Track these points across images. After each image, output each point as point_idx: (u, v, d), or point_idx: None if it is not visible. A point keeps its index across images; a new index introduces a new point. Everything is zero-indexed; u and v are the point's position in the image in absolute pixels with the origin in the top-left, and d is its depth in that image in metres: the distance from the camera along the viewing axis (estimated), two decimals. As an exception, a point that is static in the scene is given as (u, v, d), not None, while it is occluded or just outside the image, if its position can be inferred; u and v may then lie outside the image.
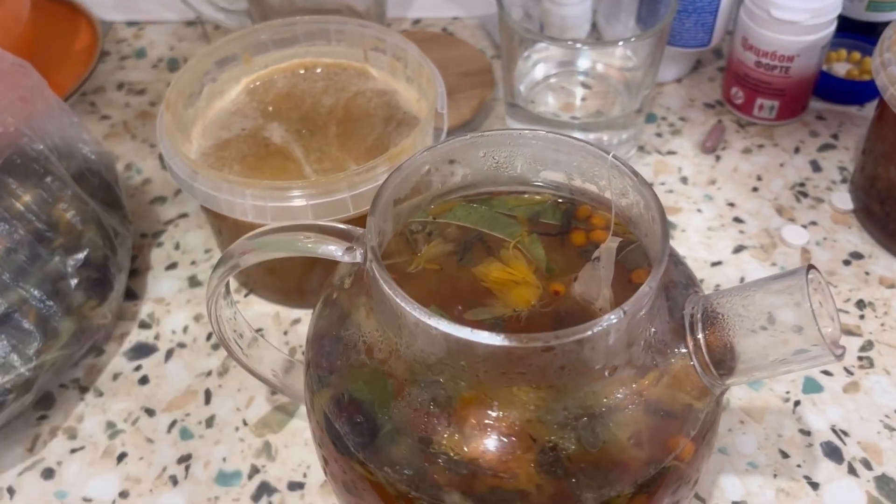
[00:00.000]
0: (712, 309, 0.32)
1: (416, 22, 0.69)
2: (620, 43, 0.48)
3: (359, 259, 0.32)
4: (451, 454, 0.30)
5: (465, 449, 0.29)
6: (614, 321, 0.28)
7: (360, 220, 0.42)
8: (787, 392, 0.44)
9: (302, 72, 0.51)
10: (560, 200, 0.37)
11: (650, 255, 0.33)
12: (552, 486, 0.30)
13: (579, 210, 0.37)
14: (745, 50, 0.55)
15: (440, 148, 0.35)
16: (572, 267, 0.35)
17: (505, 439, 0.29)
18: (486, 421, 0.30)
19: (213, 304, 0.36)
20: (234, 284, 0.50)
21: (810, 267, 0.31)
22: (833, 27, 0.54)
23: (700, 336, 0.32)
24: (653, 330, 0.32)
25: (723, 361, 0.32)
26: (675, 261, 0.35)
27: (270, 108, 0.49)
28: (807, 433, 0.42)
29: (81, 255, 0.44)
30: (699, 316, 0.32)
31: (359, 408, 0.32)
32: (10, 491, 0.41)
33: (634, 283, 0.35)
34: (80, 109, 0.62)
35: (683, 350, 0.32)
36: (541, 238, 0.36)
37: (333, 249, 0.32)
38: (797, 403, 0.44)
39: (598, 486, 0.30)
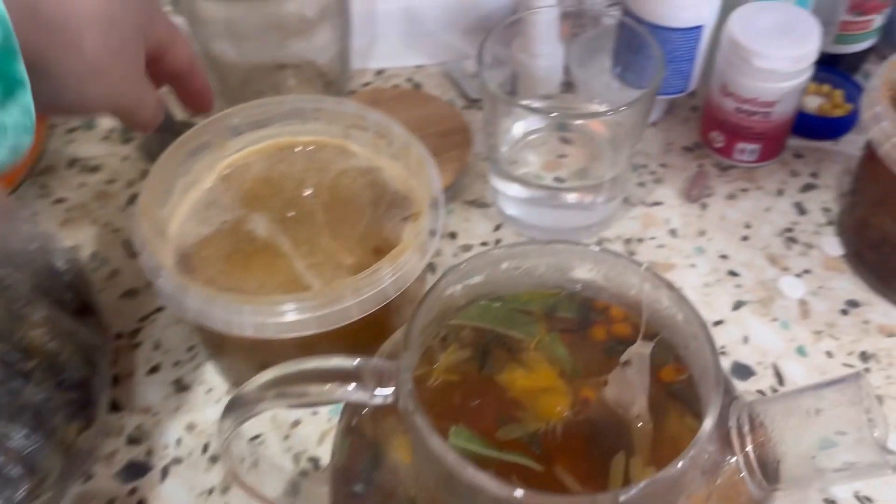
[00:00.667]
0: (759, 417, 0.31)
1: (380, 72, 0.66)
2: (609, 113, 0.47)
3: (389, 399, 0.30)
4: None
5: None
6: (679, 468, 0.27)
7: (363, 324, 0.40)
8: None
9: (279, 152, 0.49)
10: (574, 294, 0.36)
11: (696, 383, 0.32)
12: None
13: (596, 302, 0.36)
14: (725, 97, 0.55)
15: (463, 268, 0.33)
16: (597, 366, 0.34)
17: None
18: None
19: (226, 451, 0.34)
20: (224, 386, 0.47)
21: (859, 374, 0.31)
22: (812, 70, 0.53)
23: (748, 448, 0.31)
24: (708, 452, 0.30)
25: (772, 472, 0.31)
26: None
27: (250, 196, 0.46)
28: (832, 502, 0.42)
29: (60, 378, 0.41)
30: (746, 427, 0.32)
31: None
32: None
33: (663, 381, 0.34)
34: (30, 194, 0.58)
35: (733, 462, 0.31)
36: (561, 335, 0.35)
37: (362, 395, 0.30)
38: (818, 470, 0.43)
39: None
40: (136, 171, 0.59)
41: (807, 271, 0.52)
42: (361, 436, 0.34)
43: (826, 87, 0.62)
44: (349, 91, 0.64)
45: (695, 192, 0.56)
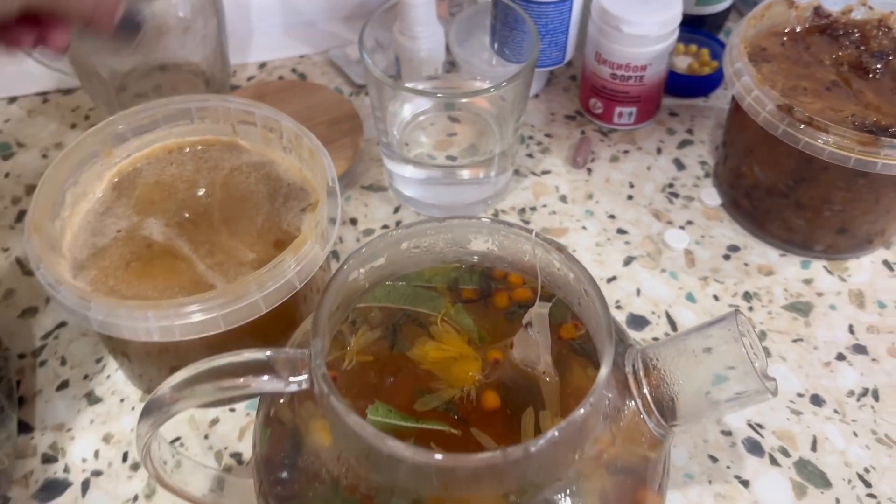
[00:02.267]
0: (652, 361, 0.34)
1: (263, 65, 0.66)
2: (492, 90, 0.49)
3: (304, 386, 0.31)
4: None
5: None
6: (581, 415, 0.29)
7: (272, 317, 0.40)
8: (702, 396, 0.47)
9: (168, 155, 0.48)
10: (473, 265, 0.37)
11: (592, 336, 0.34)
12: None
13: (494, 271, 0.38)
14: (600, 64, 0.57)
15: (364, 252, 0.34)
16: (503, 330, 0.36)
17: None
18: None
19: (146, 456, 0.34)
20: (137, 393, 0.47)
21: (737, 312, 0.33)
22: (678, 32, 0.56)
23: (645, 390, 0.33)
24: (607, 398, 0.33)
25: (669, 410, 0.34)
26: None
27: (143, 202, 0.46)
28: (728, 433, 0.45)
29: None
30: (641, 372, 0.34)
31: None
32: None
33: (565, 339, 0.36)
34: None
35: (632, 405, 0.33)
36: (465, 306, 0.37)
37: (277, 384, 0.31)
38: (713, 406, 0.46)
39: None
40: (20, 188, 0.57)
41: (689, 223, 0.55)
42: (281, 425, 0.34)
43: (693, 47, 0.65)
44: (232, 87, 0.64)
45: (580, 159, 0.58)
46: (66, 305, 0.39)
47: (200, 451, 0.45)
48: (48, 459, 0.44)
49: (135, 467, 0.44)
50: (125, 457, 0.44)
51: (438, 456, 0.27)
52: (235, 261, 0.44)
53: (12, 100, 0.64)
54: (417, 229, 0.36)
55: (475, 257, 0.37)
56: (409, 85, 0.57)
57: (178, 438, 0.45)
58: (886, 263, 0.53)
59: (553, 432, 0.28)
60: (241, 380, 0.31)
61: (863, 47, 0.53)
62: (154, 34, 0.55)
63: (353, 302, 0.35)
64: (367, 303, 0.36)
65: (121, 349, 0.44)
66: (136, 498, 0.43)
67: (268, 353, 0.31)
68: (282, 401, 0.34)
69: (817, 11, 0.54)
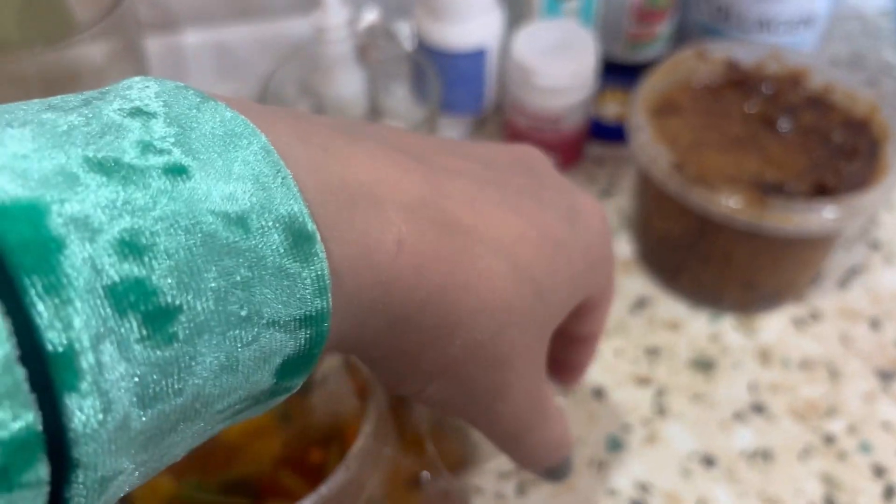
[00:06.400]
0: (436, 415, 0.34)
1: (196, 108, 0.67)
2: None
3: None
4: None
5: None
6: (336, 482, 0.29)
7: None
8: (594, 454, 0.46)
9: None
10: None
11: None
12: None
13: None
14: (517, 114, 0.58)
15: None
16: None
17: None
18: None
19: None
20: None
21: None
22: (593, 83, 0.56)
23: (429, 447, 0.34)
24: (386, 453, 0.32)
25: (454, 462, 0.34)
26: None
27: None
28: (614, 492, 0.45)
29: None
30: (423, 427, 0.34)
31: None
32: None
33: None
34: None
35: (417, 463, 0.33)
36: None
37: None
38: (601, 464, 0.46)
39: None
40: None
41: (601, 274, 0.55)
42: None
43: (622, 94, 0.65)
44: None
45: (498, 206, 0.58)
46: None
47: None
48: None
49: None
50: None
51: None
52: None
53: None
54: None
55: None
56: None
57: None
58: (794, 320, 0.53)
59: (321, 490, 0.28)
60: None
61: (774, 102, 0.53)
62: (73, 85, 0.56)
63: None
64: None
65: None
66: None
67: None
68: None
69: (730, 66, 0.54)
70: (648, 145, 0.48)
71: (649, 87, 0.51)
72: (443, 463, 0.34)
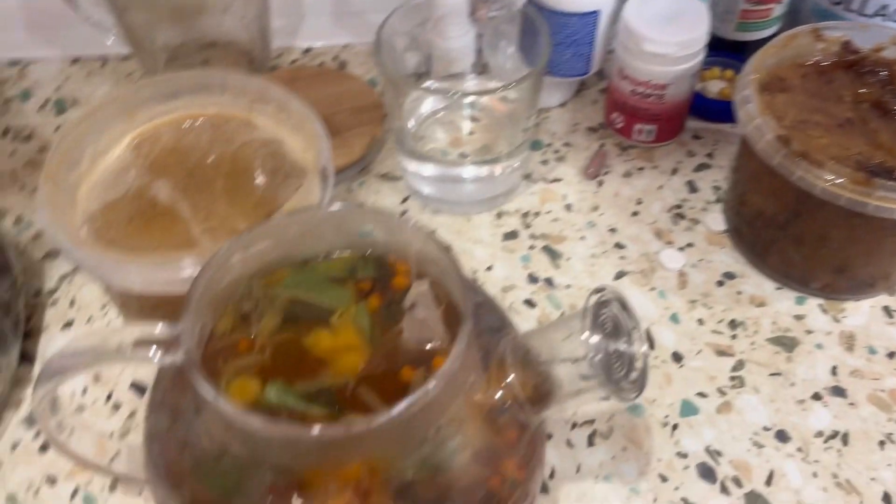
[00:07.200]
0: (521, 348, 0.34)
1: (307, 51, 0.69)
2: (498, 92, 0.50)
3: (179, 360, 0.32)
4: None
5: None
6: (428, 391, 0.30)
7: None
8: (667, 416, 0.47)
9: (186, 124, 0.52)
10: (367, 254, 0.38)
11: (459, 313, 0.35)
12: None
13: (386, 258, 0.38)
14: (622, 79, 0.58)
15: (248, 236, 0.35)
16: (397, 318, 0.36)
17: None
18: (328, 489, 0.31)
19: (43, 419, 0.36)
20: (113, 313, 0.51)
21: (603, 303, 0.33)
22: (702, 55, 0.56)
23: (512, 376, 0.34)
24: (469, 380, 0.33)
25: (536, 397, 0.34)
26: (488, 306, 0.38)
27: (157, 165, 0.49)
28: (684, 455, 0.46)
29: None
30: (510, 358, 0.34)
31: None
32: (-90, 576, 0.41)
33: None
34: (-37, 160, 0.61)
35: (500, 394, 0.34)
36: (366, 301, 0.37)
37: (153, 357, 0.33)
38: (675, 427, 0.47)
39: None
40: (66, 141, 0.62)
41: (690, 245, 0.55)
42: (166, 408, 0.36)
43: (729, 73, 0.65)
44: (273, 68, 0.67)
45: (592, 170, 0.59)
46: (63, 248, 0.43)
47: (102, 417, 0.47)
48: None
49: (116, 407, 0.47)
50: (109, 397, 0.48)
51: (258, 421, 0.29)
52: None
53: (75, 60, 0.69)
54: (304, 217, 0.37)
55: (367, 245, 0.38)
56: (425, 84, 0.59)
57: (85, 390, 0.48)
58: (886, 310, 0.52)
59: (403, 404, 0.29)
60: (129, 351, 0.33)
61: (888, 87, 0.52)
62: (194, 11, 0.58)
63: (251, 284, 0.37)
64: (272, 289, 0.37)
65: (120, 298, 0.47)
66: (111, 435, 0.46)
67: (158, 328, 0.33)
68: (170, 375, 0.36)
69: (846, 46, 0.53)
70: (755, 117, 0.48)
71: (760, 62, 0.51)
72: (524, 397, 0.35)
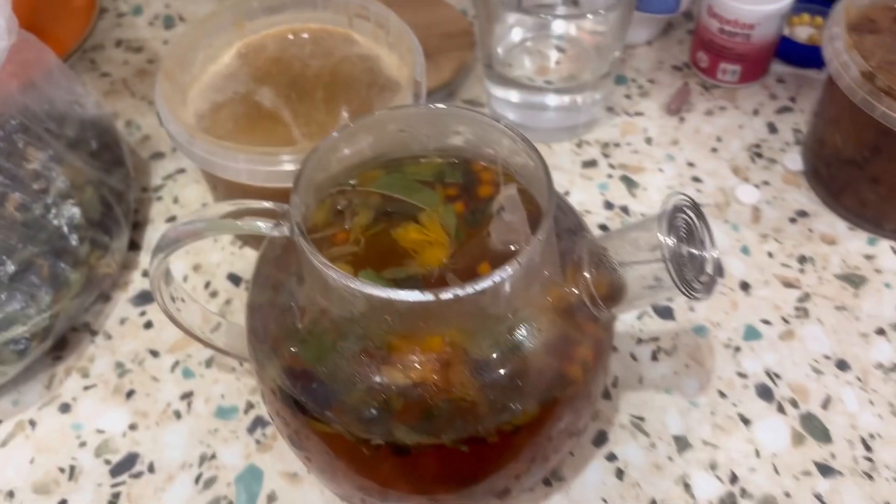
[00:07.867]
0: (597, 249, 0.36)
1: (402, -20, 0.71)
2: (589, 16, 0.52)
3: (286, 233, 0.36)
4: (394, 387, 0.34)
5: (405, 377, 0.34)
6: (509, 273, 0.32)
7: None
8: (730, 339, 0.49)
9: (291, 37, 0.55)
10: (456, 161, 0.40)
11: (541, 209, 0.37)
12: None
13: (473, 165, 0.40)
14: (710, 17, 0.59)
15: (353, 127, 0.38)
16: (484, 222, 0.38)
17: (430, 366, 0.34)
18: (414, 356, 0.34)
19: (157, 287, 0.40)
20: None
21: (679, 208, 0.35)
22: (792, -3, 0.57)
23: (586, 273, 0.36)
24: (546, 273, 0.36)
25: (608, 294, 0.36)
26: (566, 210, 0.40)
27: (261, 73, 0.53)
28: (744, 376, 0.47)
29: (77, 216, 0.48)
30: (586, 257, 0.37)
31: (303, 369, 0.36)
32: (32, 423, 0.46)
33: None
34: (80, 67, 0.65)
35: (574, 288, 0.36)
36: (453, 204, 0.39)
37: (262, 226, 0.36)
38: (738, 349, 0.48)
39: (515, 397, 0.35)
40: (173, 54, 0.66)
41: (766, 183, 0.56)
42: (270, 279, 0.39)
43: (819, 20, 0.65)
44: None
45: (675, 106, 0.60)
46: (176, 139, 0.47)
47: (203, 298, 0.51)
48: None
49: (213, 294, 0.51)
50: (207, 284, 0.52)
51: (388, 291, 0.32)
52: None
53: (183, -20, 0.72)
54: (403, 112, 0.39)
55: (456, 148, 0.40)
56: (521, 6, 0.61)
57: (186, 277, 0.52)
58: (959, 255, 0.52)
59: (493, 277, 0.32)
60: (240, 222, 0.36)
61: (981, 34, 0.52)
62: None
63: (345, 181, 0.40)
64: (366, 187, 0.40)
65: (214, 183, 0.51)
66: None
67: (266, 205, 0.36)
68: (275, 258, 0.39)
69: (941, -8, 0.53)
70: (842, 53, 0.49)
71: (852, 1, 0.51)
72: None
